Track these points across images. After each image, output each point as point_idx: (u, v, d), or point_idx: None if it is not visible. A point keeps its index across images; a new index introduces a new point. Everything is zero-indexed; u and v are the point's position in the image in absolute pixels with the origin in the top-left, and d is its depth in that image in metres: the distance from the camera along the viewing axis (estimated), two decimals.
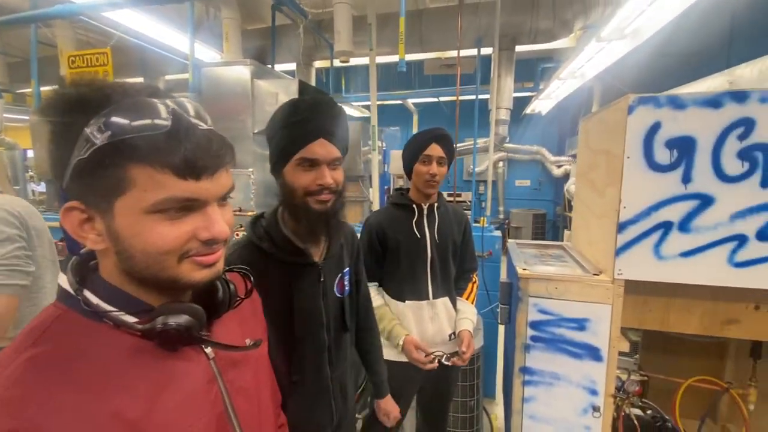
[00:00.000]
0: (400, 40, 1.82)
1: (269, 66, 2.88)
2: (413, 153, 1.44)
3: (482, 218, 2.39)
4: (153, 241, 0.48)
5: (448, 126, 1.63)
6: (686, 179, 1.21)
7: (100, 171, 0.45)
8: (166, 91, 0.52)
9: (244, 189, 2.06)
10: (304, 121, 0.86)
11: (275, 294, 0.89)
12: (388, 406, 1.26)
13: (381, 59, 3.16)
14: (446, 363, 1.46)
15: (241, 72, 1.99)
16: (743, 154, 1.17)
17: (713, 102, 1.17)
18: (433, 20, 2.70)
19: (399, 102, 5.62)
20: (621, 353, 1.64)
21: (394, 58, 2.17)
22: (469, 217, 1.71)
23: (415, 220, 1.45)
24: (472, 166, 6.69)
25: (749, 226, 1.18)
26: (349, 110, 5.25)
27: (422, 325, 1.46)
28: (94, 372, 0.47)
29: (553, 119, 6.55)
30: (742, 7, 2.99)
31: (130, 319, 0.50)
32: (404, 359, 1.45)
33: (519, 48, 3.04)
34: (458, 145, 3.44)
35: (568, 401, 1.42)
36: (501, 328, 2.20)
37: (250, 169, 2.08)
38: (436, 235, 1.47)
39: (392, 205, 1.52)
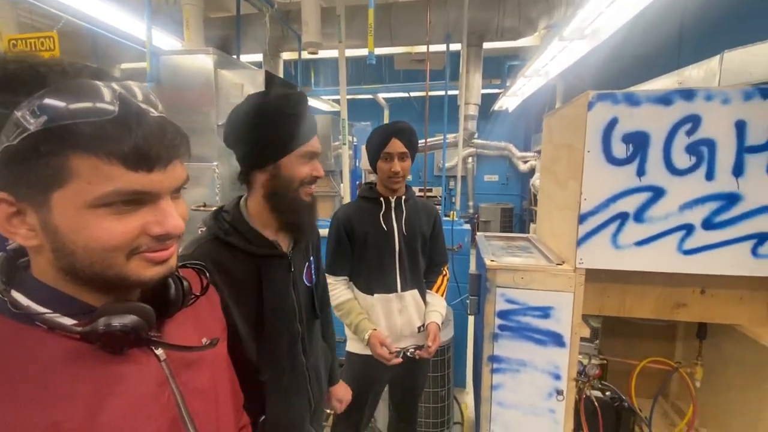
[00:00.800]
0: (369, 33, 1.81)
1: (234, 56, 2.78)
2: (375, 149, 1.43)
3: (452, 212, 2.43)
4: (98, 236, 0.44)
5: (419, 121, 1.64)
6: (641, 172, 1.29)
7: (33, 160, 0.41)
8: (108, 74, 0.48)
9: (209, 184, 1.98)
10: (305, 116, 0.89)
11: (247, 288, 0.88)
12: (340, 392, 1.27)
13: (351, 52, 3.12)
14: (411, 356, 1.47)
15: (204, 61, 1.91)
16: (690, 149, 1.25)
17: (664, 99, 1.24)
18: (403, 14, 2.70)
19: (370, 96, 5.59)
20: (583, 339, 1.72)
21: (364, 52, 2.15)
22: (439, 210, 1.73)
23: (382, 213, 1.45)
24: (443, 162, 6.81)
25: (696, 216, 1.27)
26: (318, 104, 5.17)
27: (391, 318, 1.46)
28: (26, 381, 0.43)
29: (520, 116, 6.75)
30: (689, 13, 3.19)
31: (68, 321, 0.46)
32: (366, 352, 1.46)
33: (486, 45, 3.10)
34: (428, 140, 3.48)
35: (533, 386, 1.48)
36: (471, 319, 2.26)
37: (215, 163, 2.00)
38: (404, 228, 1.47)
39: (361, 198, 1.52)
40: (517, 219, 7.24)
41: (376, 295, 1.45)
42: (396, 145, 1.40)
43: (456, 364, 2.34)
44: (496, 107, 5.84)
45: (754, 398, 1.45)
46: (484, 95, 6.08)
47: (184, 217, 0.52)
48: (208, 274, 0.64)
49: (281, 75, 2.95)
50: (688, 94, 1.23)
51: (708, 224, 1.27)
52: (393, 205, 1.48)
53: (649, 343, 1.94)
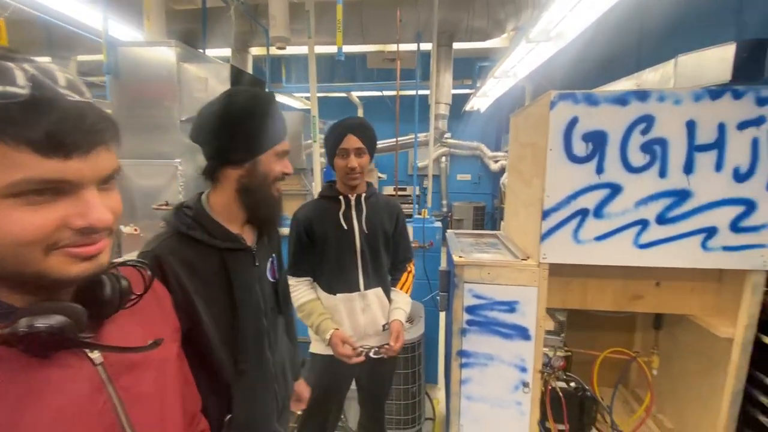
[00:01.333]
0: (338, 29, 1.79)
1: (200, 50, 2.69)
2: (331, 146, 1.42)
3: (424, 210, 2.45)
4: (9, 230, 0.40)
5: (392, 120, 1.64)
6: (599, 170, 1.33)
7: None
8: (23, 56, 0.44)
9: (172, 181, 1.90)
10: (280, 114, 0.93)
11: (212, 283, 0.87)
12: (299, 390, 1.26)
13: (322, 49, 3.09)
14: (375, 356, 1.46)
15: (166, 54, 1.82)
16: (645, 148, 1.31)
17: (621, 100, 1.29)
18: (374, 12, 2.70)
19: (343, 95, 5.56)
20: (550, 332, 1.78)
21: (335, 49, 2.13)
22: (403, 208, 1.73)
23: (342, 211, 1.44)
24: (415, 161, 6.86)
25: (650, 212, 1.33)
26: (290, 101, 5.09)
27: (354, 317, 1.46)
28: None
29: (491, 116, 6.89)
30: (648, 19, 3.35)
31: None
32: (329, 352, 1.44)
33: (457, 45, 3.14)
34: (400, 139, 3.50)
35: (501, 379, 1.51)
36: (442, 315, 2.28)
37: (178, 160, 1.92)
38: (364, 226, 1.46)
39: (321, 197, 1.50)
40: (489, 217, 7.39)
41: (338, 295, 1.43)
42: (352, 141, 1.39)
43: (427, 360, 2.36)
44: (467, 108, 5.93)
45: (705, 384, 1.54)
46: (456, 95, 6.18)
47: (115, 210, 0.49)
48: (150, 272, 0.61)
49: (250, 70, 2.89)
50: (642, 95, 1.28)
51: (661, 219, 1.33)
52: (353, 203, 1.46)
53: (611, 334, 2.02)
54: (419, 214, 2.42)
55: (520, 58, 3.08)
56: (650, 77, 2.21)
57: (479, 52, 3.67)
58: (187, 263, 0.83)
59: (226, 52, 3.20)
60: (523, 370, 1.49)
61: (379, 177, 6.80)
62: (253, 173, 0.90)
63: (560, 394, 1.67)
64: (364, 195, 1.49)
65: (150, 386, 0.57)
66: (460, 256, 1.52)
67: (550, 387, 1.69)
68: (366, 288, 1.46)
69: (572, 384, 1.73)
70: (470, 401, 1.54)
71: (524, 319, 1.46)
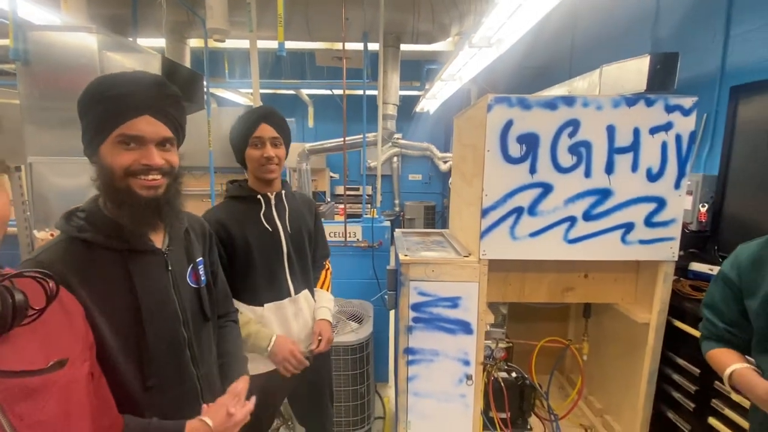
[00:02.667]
0: (279, 23, 1.74)
1: (129, 39, 2.49)
2: (242, 137, 1.28)
3: (373, 209, 2.45)
4: None
5: (341, 119, 1.61)
6: (533, 170, 1.41)
7: None
8: None
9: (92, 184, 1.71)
10: (125, 95, 0.77)
11: (112, 291, 0.77)
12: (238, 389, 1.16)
13: (266, 44, 2.99)
14: (308, 359, 1.36)
15: (86, 41, 1.64)
16: (572, 149, 1.41)
17: (550, 104, 1.38)
18: (320, 9, 2.65)
19: (292, 92, 5.42)
20: (493, 325, 1.86)
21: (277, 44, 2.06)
22: (355, 206, 1.69)
23: (263, 212, 1.30)
24: (368, 160, 6.86)
25: (578, 209, 1.44)
26: (234, 97, 4.87)
27: (287, 325, 1.34)
28: None
29: (440, 118, 7.08)
30: (578, 32, 3.62)
31: None
32: (267, 369, 1.31)
33: (404, 47, 3.18)
34: (349, 138, 3.48)
35: (446, 374, 1.55)
36: (392, 314, 2.30)
37: None
38: (288, 226, 1.34)
39: (231, 199, 1.33)
40: (439, 216, 7.60)
41: (266, 305, 1.29)
42: (266, 130, 1.27)
43: (378, 359, 2.37)
44: (417, 109, 6.05)
45: (628, 365, 1.69)
46: (407, 97, 6.28)
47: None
48: (53, 283, 0.54)
49: (188, 63, 2.72)
50: (569, 101, 1.38)
51: (587, 216, 1.44)
52: (273, 201, 1.34)
53: (547, 324, 2.16)
54: (368, 213, 2.42)
55: (465, 63, 3.19)
56: (580, 85, 2.38)
57: (427, 55, 3.75)
58: (78, 270, 0.73)
59: (163, 42, 3.00)
60: (467, 363, 1.54)
61: (331, 176, 6.73)
62: (101, 168, 0.78)
63: (502, 384, 1.75)
64: (283, 192, 1.37)
65: (51, 413, 0.51)
66: (405, 255, 1.53)
67: (492, 378, 1.77)
68: (296, 292, 1.36)
69: (513, 374, 1.82)
70: (417, 397, 1.56)
71: (467, 313, 1.51)
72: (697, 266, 1.78)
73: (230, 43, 3.15)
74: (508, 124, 1.38)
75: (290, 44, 3.29)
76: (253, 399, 0.92)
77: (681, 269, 1.77)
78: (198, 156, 2.36)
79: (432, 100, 5.28)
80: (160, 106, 0.81)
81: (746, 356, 1.02)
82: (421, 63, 5.20)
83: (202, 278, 0.96)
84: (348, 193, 6.83)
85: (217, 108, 3.62)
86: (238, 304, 1.28)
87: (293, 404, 1.49)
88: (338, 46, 3.05)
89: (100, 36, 1.67)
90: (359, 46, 2.81)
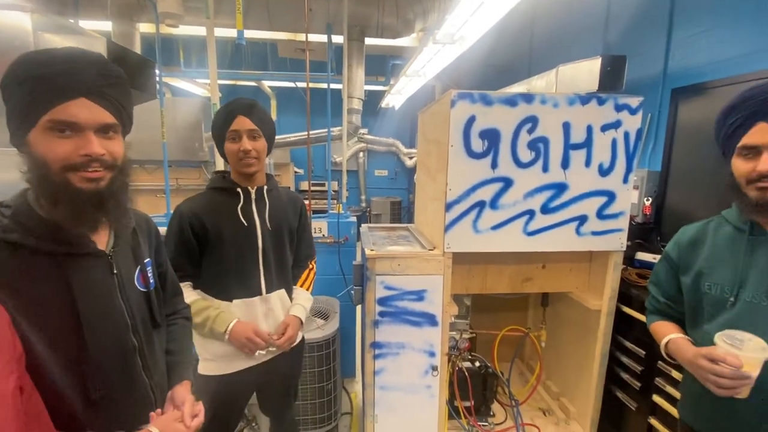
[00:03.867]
0: (238, 10, 1.66)
1: (71, 20, 2.29)
2: (219, 131, 1.25)
3: (338, 205, 2.43)
4: None
5: (304, 112, 1.57)
6: (494, 165, 1.45)
7: None
8: None
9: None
10: (57, 75, 0.68)
11: (45, 297, 0.69)
12: (179, 396, 1.01)
13: (225, 32, 2.86)
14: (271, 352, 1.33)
15: (19, 20, 1.48)
16: (531, 145, 1.46)
17: (511, 101, 1.42)
18: None
19: (253, 84, 5.24)
20: (458, 316, 1.90)
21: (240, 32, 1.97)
22: (320, 202, 1.66)
23: (240, 205, 1.26)
24: (333, 156, 6.78)
25: (536, 203, 1.49)
26: (191, 87, 4.63)
27: (255, 323, 1.29)
28: None
29: (405, 114, 7.13)
30: (537, 33, 3.76)
31: None
32: (234, 370, 1.27)
33: (369, 41, 3.16)
34: (314, 132, 3.42)
35: (412, 366, 1.57)
36: (358, 309, 2.30)
37: None
38: (268, 222, 1.31)
39: (211, 190, 1.29)
40: (405, 211, 7.67)
41: (235, 301, 1.25)
42: (243, 122, 1.22)
43: (345, 355, 2.36)
44: (383, 104, 6.05)
45: (581, 350, 1.79)
46: (373, 92, 6.25)
47: None
48: None
49: (138, 48, 2.54)
50: (528, 98, 1.42)
51: (545, 209, 1.50)
52: (254, 196, 1.29)
53: (508, 313, 2.24)
54: (334, 209, 2.39)
55: (429, 59, 3.22)
56: (538, 83, 2.48)
57: (392, 50, 3.75)
58: (1, 276, 0.65)
59: (109, 25, 2.78)
60: (432, 354, 1.57)
61: (296, 172, 6.59)
62: (30, 159, 0.69)
63: (466, 373, 1.80)
64: (266, 188, 1.33)
65: None
66: (371, 250, 1.53)
67: (457, 368, 1.81)
68: (269, 291, 1.30)
69: (476, 363, 1.88)
70: (384, 391, 1.58)
71: (432, 306, 1.53)
72: (642, 255, 1.91)
73: (186, 30, 2.99)
74: (471, 120, 1.41)
75: (251, 33, 3.17)
76: (202, 411, 0.88)
77: (628, 259, 1.89)
78: (151, 149, 2.23)
79: (397, 96, 5.30)
80: (99, 87, 0.72)
81: (683, 329, 1.12)
82: (386, 58, 5.19)
83: (151, 281, 0.89)
84: (314, 188, 6.73)
85: (172, 98, 3.43)
86: (205, 296, 1.25)
87: (260, 396, 1.46)
88: (301, 37, 2.98)
89: (35, 15, 1.51)
90: (323, 38, 2.75)
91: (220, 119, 1.24)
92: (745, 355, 0.81)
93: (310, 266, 1.52)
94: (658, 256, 1.84)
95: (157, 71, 1.91)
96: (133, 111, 0.83)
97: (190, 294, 1.20)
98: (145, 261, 0.89)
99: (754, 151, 0.86)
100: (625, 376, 1.72)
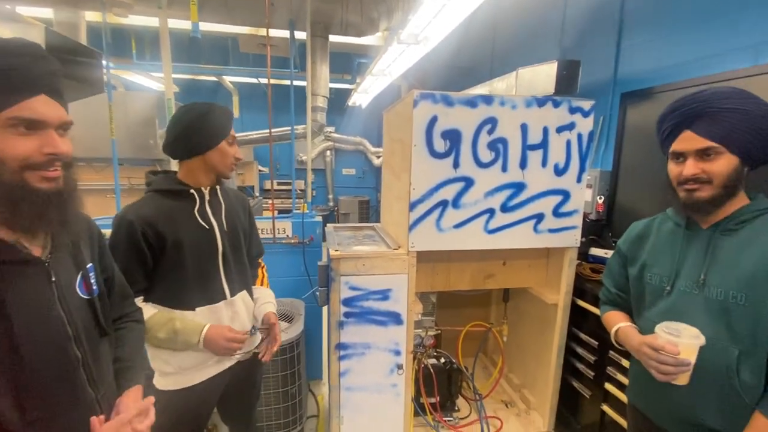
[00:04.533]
0: (192, 1, 1.59)
1: (7, 6, 2.10)
2: (221, 131, 1.19)
3: (303, 204, 2.38)
4: None
5: (267, 109, 1.52)
6: (456, 165, 1.48)
7: None
8: None
9: None
10: (13, 69, 0.65)
11: None
12: (126, 403, 0.95)
13: (182, 24, 2.72)
14: (253, 356, 1.29)
15: None
16: (491, 146, 1.50)
17: (471, 102, 1.45)
18: None
19: (214, 79, 5.04)
20: (424, 313, 1.92)
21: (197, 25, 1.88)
22: (286, 201, 1.62)
23: (197, 208, 1.19)
24: (299, 154, 6.66)
25: (496, 201, 1.54)
26: (146, 81, 4.38)
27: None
28: None
29: (372, 113, 7.12)
30: (498, 36, 3.87)
31: None
32: (201, 379, 1.20)
33: (333, 38, 3.13)
34: (277, 130, 3.35)
35: (377, 366, 1.57)
36: (324, 311, 2.27)
37: None
38: (224, 224, 1.24)
39: (157, 193, 1.18)
40: (373, 210, 7.67)
41: (198, 309, 1.18)
42: (232, 131, 1.25)
43: (311, 357, 2.33)
44: (350, 103, 6.02)
45: (540, 342, 1.86)
46: (339, 90, 6.19)
47: None
48: None
49: (84, 38, 2.36)
50: (488, 99, 1.46)
51: (504, 208, 1.55)
52: (207, 197, 1.22)
53: (472, 309, 2.30)
54: (299, 208, 2.35)
55: (394, 58, 3.23)
56: (499, 85, 2.54)
57: (357, 48, 3.73)
58: None
59: (51, 13, 2.56)
60: (398, 353, 1.58)
61: (260, 170, 6.42)
62: None
63: (431, 370, 1.83)
64: (218, 188, 1.27)
65: None
66: (336, 250, 1.51)
67: (422, 365, 1.84)
68: (232, 294, 1.25)
69: (442, 359, 1.91)
70: (350, 392, 1.57)
71: (397, 305, 1.54)
72: (595, 251, 2.02)
73: (138, 20, 2.82)
74: (433, 120, 1.43)
75: (209, 27, 3.05)
76: (152, 411, 0.83)
77: (582, 254, 1.99)
78: (99, 146, 2.09)
79: (364, 95, 5.29)
80: (56, 83, 0.70)
81: (631, 318, 1.19)
82: (352, 56, 5.16)
83: (94, 287, 0.83)
84: (279, 187, 6.58)
85: (123, 92, 3.22)
86: (163, 309, 1.15)
87: (221, 405, 1.38)
88: (263, 32, 2.90)
89: None
90: (286, 33, 2.69)
91: (223, 120, 1.20)
92: (682, 342, 0.87)
93: (261, 264, 1.50)
94: (611, 251, 1.95)
95: (104, 63, 1.79)
96: (79, 105, 0.79)
97: (146, 309, 1.11)
98: (88, 266, 0.83)
99: (682, 157, 0.93)
100: (580, 366, 1.80)
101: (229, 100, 5.91)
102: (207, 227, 1.19)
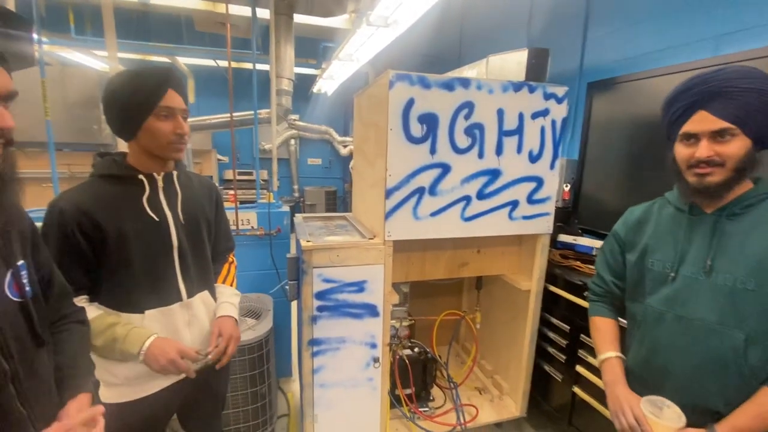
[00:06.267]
0: None
1: None
2: (143, 103, 0.98)
3: (269, 194, 2.25)
4: None
5: (226, 93, 1.37)
6: (433, 150, 1.43)
7: None
8: None
9: None
10: None
11: None
12: (72, 411, 0.82)
13: None
14: (210, 365, 1.09)
15: None
16: (468, 131, 1.46)
17: (448, 85, 1.40)
18: None
19: (166, 59, 4.67)
20: (396, 305, 1.88)
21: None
22: (248, 192, 1.47)
23: (146, 196, 1.02)
24: (262, 142, 6.37)
25: (472, 188, 1.51)
26: (89, 61, 3.97)
27: (177, 335, 1.07)
28: None
29: (338, 100, 6.94)
30: (466, 24, 3.85)
31: None
32: (147, 392, 1.06)
33: (299, 19, 2.97)
34: (239, 114, 3.14)
35: (353, 360, 1.51)
36: (294, 305, 2.17)
37: None
38: (181, 215, 1.08)
39: (101, 178, 1.01)
40: (341, 201, 7.54)
41: (148, 312, 1.02)
42: (176, 99, 1.00)
43: (280, 354, 2.23)
44: (315, 89, 5.81)
45: (513, 329, 1.88)
46: (304, 76, 5.96)
47: None
48: None
49: (12, 5, 2.05)
50: (465, 83, 1.41)
51: (480, 195, 1.52)
52: (161, 184, 1.05)
53: (445, 298, 2.29)
54: (263, 198, 2.22)
55: (362, 42, 3.13)
56: (470, 73, 2.51)
57: (323, 32, 3.57)
58: None
59: None
60: (374, 346, 1.53)
61: (219, 160, 6.08)
62: None
63: (406, 361, 1.80)
64: (175, 173, 1.09)
65: None
66: (308, 241, 1.43)
67: (397, 356, 1.80)
68: (190, 295, 1.09)
69: (416, 349, 1.89)
70: (324, 389, 1.50)
71: (372, 296, 1.48)
72: (563, 237, 2.06)
73: None
74: (410, 103, 1.36)
75: (163, 2, 2.78)
76: (101, 422, 0.73)
77: (551, 240, 2.02)
78: (32, 129, 1.84)
79: (330, 81, 5.12)
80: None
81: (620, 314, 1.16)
82: (317, 41, 4.96)
83: (27, 288, 0.70)
84: (240, 178, 6.28)
85: (61, 68, 2.86)
86: (109, 311, 1.00)
87: (182, 414, 1.24)
88: (221, 8, 2.69)
89: None
90: (246, 11, 2.50)
91: (144, 88, 0.97)
92: (659, 423, 0.88)
93: (230, 259, 1.32)
94: (579, 238, 2.00)
95: (34, 34, 1.56)
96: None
97: (88, 311, 0.95)
98: (19, 264, 0.70)
99: (694, 138, 0.89)
100: (551, 350, 1.84)
101: (183, 83, 5.52)
102: (158, 219, 1.03)
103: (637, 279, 1.06)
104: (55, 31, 3.63)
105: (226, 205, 2.28)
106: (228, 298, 1.21)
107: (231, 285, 1.26)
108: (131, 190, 1.02)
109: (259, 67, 2.53)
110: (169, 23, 4.67)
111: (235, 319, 1.18)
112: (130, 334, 0.95)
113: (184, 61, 4.85)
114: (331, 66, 4.20)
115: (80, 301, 0.96)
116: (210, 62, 4.73)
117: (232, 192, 3.24)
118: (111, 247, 0.96)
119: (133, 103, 0.97)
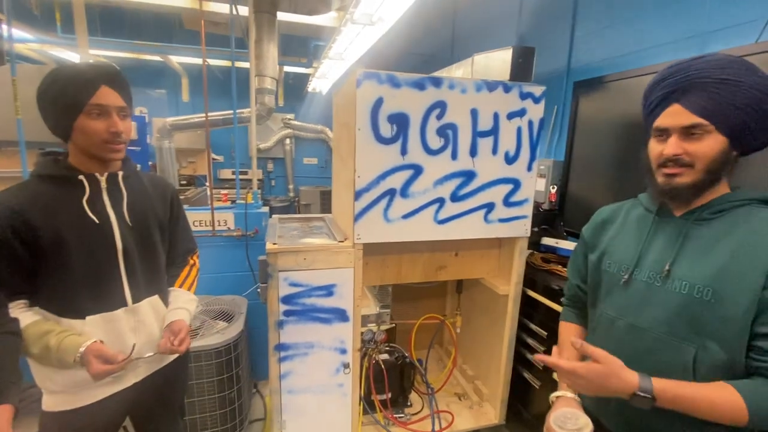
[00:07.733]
0: None
1: None
2: (71, 102, 0.93)
3: (248, 194, 2.21)
4: None
5: (222, 94, 1.33)
6: (404, 151, 1.39)
7: None
8: None
9: None
10: None
11: None
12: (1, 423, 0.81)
13: None
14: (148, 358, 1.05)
15: None
16: (440, 132, 1.42)
17: (419, 84, 1.35)
18: None
19: (158, 59, 4.64)
20: (383, 305, 1.84)
21: None
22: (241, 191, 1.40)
23: (86, 198, 0.98)
24: (234, 133, 6.32)
25: (446, 190, 1.46)
26: (75, 58, 3.94)
27: (121, 342, 1.02)
28: None
29: (332, 99, 6.92)
30: (459, 22, 3.81)
31: None
32: (92, 400, 1.01)
33: (286, 17, 2.93)
34: (220, 113, 3.11)
35: (322, 366, 1.47)
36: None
37: None
38: (127, 216, 1.03)
39: (39, 178, 0.97)
40: None
41: (89, 318, 0.98)
42: (110, 96, 0.95)
43: (258, 356, 2.19)
44: (310, 89, 5.78)
45: (492, 333, 1.84)
46: (299, 75, 5.92)
47: None
48: None
49: None
50: (436, 82, 1.37)
51: (454, 197, 1.48)
52: (104, 185, 1.01)
53: (428, 301, 2.25)
54: (242, 199, 2.18)
55: (351, 41, 3.08)
56: (457, 72, 2.47)
57: (312, 30, 3.53)
58: None
59: None
60: (343, 351, 1.49)
61: (214, 159, 6.05)
62: None
63: (383, 366, 1.76)
64: (121, 174, 1.04)
65: None
66: (273, 243, 1.39)
67: (373, 361, 1.76)
68: (136, 300, 1.05)
69: (394, 354, 1.85)
70: (292, 395, 1.46)
71: (342, 301, 1.44)
72: (547, 240, 2.01)
73: None
74: (379, 102, 1.32)
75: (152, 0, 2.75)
76: None
77: (535, 244, 1.98)
78: (5, 127, 1.81)
79: (323, 80, 5.08)
80: None
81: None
82: (308, 39, 4.92)
83: None
84: (232, 177, 6.24)
85: (37, 67, 2.83)
86: (47, 316, 0.96)
87: (136, 423, 1.20)
88: (207, 6, 2.66)
89: None
90: (226, 8, 2.47)
91: (78, 85, 0.93)
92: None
93: (191, 262, 1.27)
94: (562, 241, 1.95)
95: (4, 28, 1.53)
96: None
97: (26, 316, 0.92)
98: None
99: (665, 134, 0.81)
100: (530, 356, 1.79)
101: (178, 82, 5.49)
102: (99, 221, 0.98)
103: (596, 282, 0.99)
104: (41, 28, 3.61)
105: (217, 204, 2.25)
106: (183, 303, 1.15)
107: (189, 289, 1.21)
108: (71, 191, 0.97)
109: (243, 65, 2.50)
110: (161, 22, 4.65)
111: (187, 323, 1.12)
112: (64, 342, 0.91)
113: (177, 59, 4.82)
114: (323, 65, 4.16)
115: (18, 305, 0.92)
116: (200, 61, 4.69)
117: (224, 192, 3.23)
118: (48, 250, 0.92)
119: (60, 101, 0.93)
